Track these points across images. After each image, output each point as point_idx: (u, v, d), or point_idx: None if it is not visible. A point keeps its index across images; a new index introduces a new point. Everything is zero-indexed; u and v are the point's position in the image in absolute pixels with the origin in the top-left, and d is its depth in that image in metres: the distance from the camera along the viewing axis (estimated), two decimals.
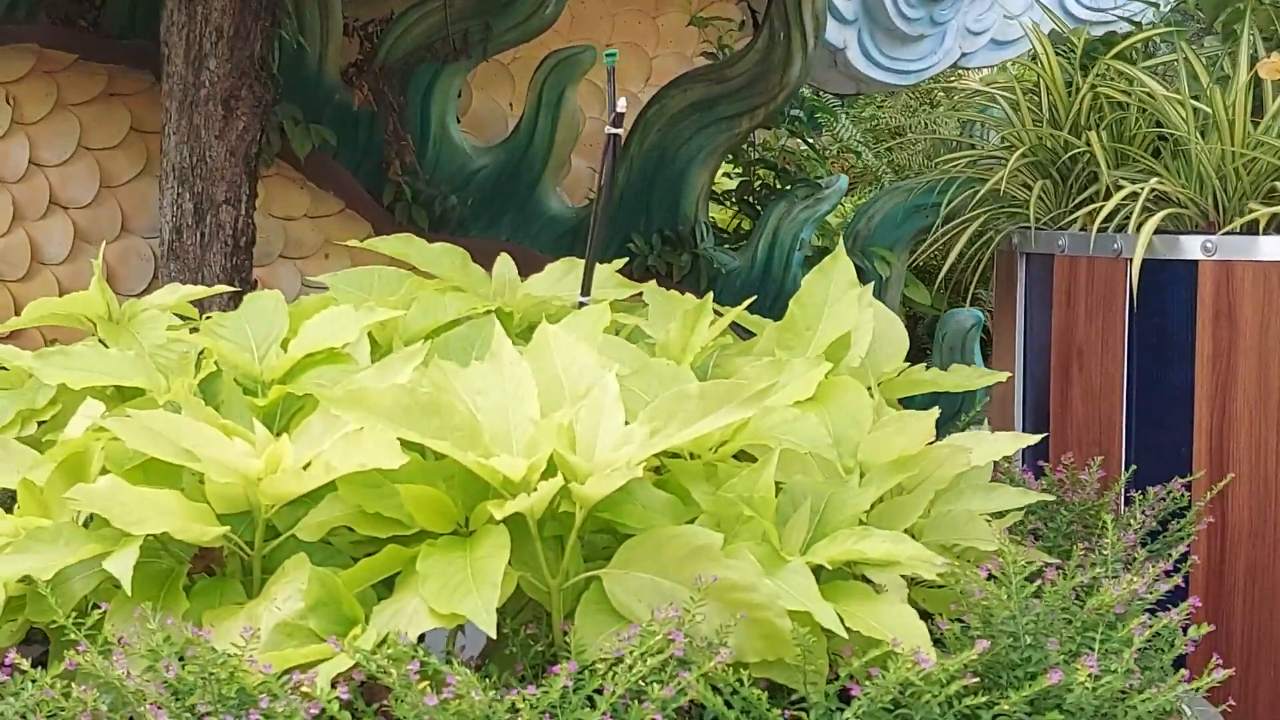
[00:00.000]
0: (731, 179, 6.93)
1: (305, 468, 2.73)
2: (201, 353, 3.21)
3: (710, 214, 5.86)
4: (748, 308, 3.64)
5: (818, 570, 2.79)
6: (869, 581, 2.91)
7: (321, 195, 5.42)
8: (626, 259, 4.43)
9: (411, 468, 2.77)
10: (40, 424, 3.26)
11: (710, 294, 3.44)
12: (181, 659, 2.54)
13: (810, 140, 6.90)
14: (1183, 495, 3.52)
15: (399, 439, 2.73)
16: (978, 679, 2.64)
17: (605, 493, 2.69)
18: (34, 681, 2.53)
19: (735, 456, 3.06)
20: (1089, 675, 2.67)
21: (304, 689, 2.44)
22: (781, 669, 2.69)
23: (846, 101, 8.35)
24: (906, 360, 3.57)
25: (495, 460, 2.69)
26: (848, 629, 2.67)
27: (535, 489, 2.67)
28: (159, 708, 2.42)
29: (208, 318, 3.31)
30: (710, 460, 3.00)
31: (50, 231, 5.14)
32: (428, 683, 2.49)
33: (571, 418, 2.78)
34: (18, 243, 5.11)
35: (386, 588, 2.76)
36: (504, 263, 3.66)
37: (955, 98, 7.66)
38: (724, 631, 2.62)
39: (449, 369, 2.89)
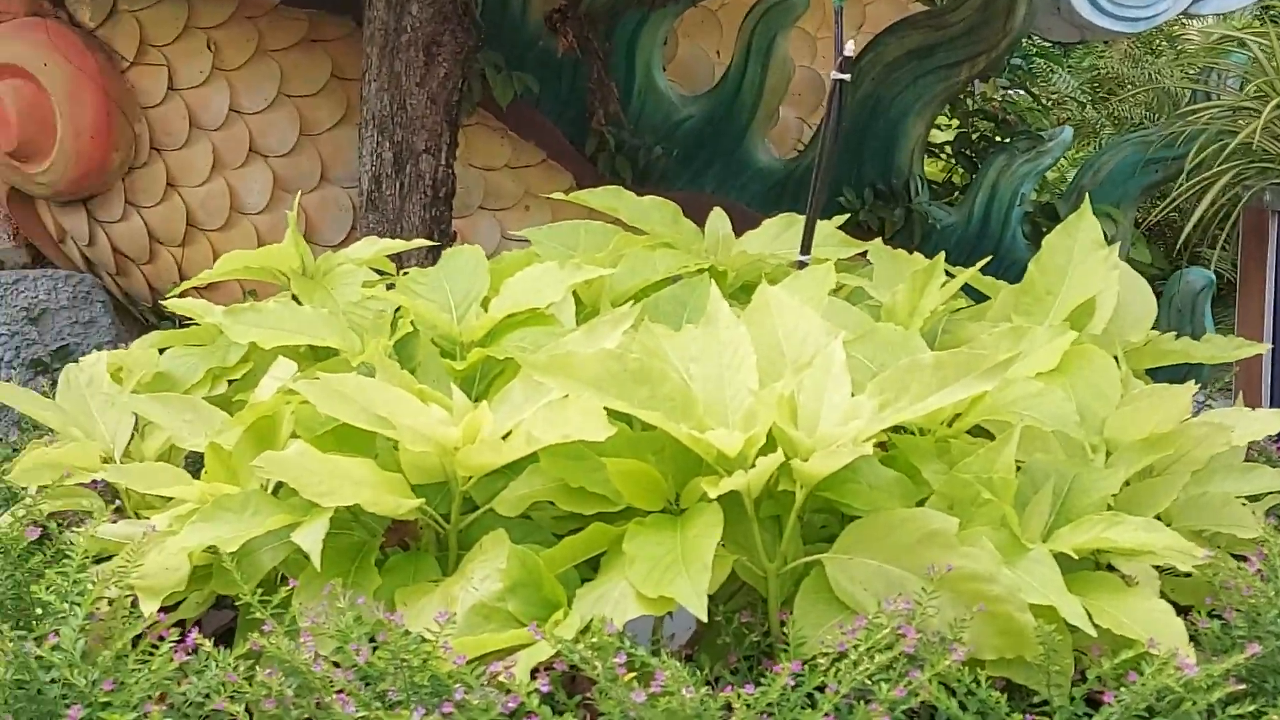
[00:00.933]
0: (945, 130, 6.65)
1: (505, 438, 2.53)
2: (398, 311, 3.03)
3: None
4: (966, 267, 3.40)
5: (1061, 559, 2.54)
6: (1115, 571, 2.65)
7: (523, 145, 5.25)
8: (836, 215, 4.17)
9: (619, 440, 2.58)
10: (231, 383, 3.12)
11: (942, 254, 3.18)
12: (373, 641, 2.36)
13: (1033, 91, 6.58)
14: None
15: (606, 409, 2.53)
16: (1242, 685, 2.38)
17: (829, 471, 2.46)
18: (217, 662, 2.38)
19: (968, 433, 2.82)
20: None
21: (501, 680, 2.25)
22: (1021, 668, 2.45)
23: (1064, 50, 8.01)
24: None
25: (710, 433, 2.48)
26: (1096, 625, 2.42)
27: (753, 465, 2.45)
28: (347, 696, 2.24)
29: (405, 273, 3.13)
30: (942, 436, 2.75)
31: (249, 180, 5.04)
32: (634, 675, 2.28)
33: (794, 388, 2.55)
34: (217, 191, 5.03)
35: (590, 569, 2.56)
36: (718, 217, 3.43)
37: (1191, 44, 7.27)
38: (959, 626, 2.38)
39: (660, 333, 2.68)
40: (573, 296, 3.05)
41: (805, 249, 3.24)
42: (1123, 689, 2.33)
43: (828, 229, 3.45)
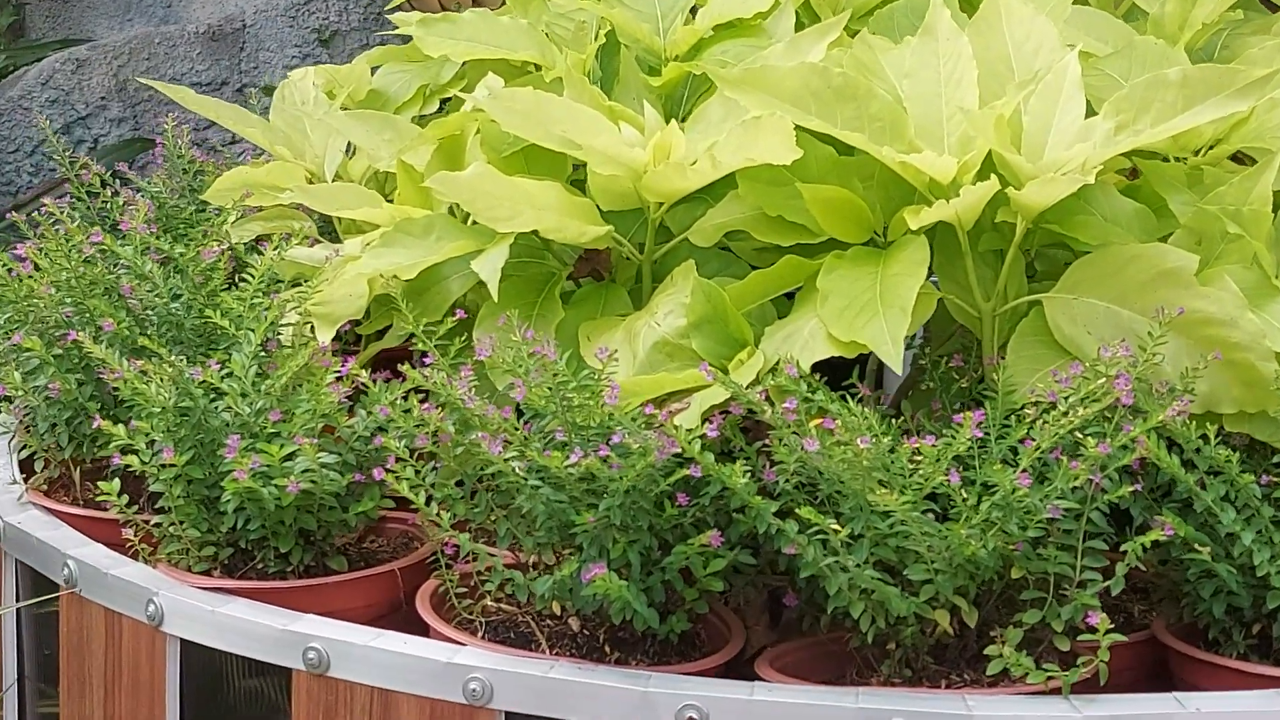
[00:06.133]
0: None
1: (694, 163, 2.32)
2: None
3: None
4: None
5: None
6: None
7: None
8: None
9: (823, 164, 2.35)
10: (444, 102, 2.97)
11: None
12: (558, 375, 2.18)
13: None
14: None
15: (809, 131, 2.29)
16: None
17: (1050, 201, 2.20)
18: (373, 395, 2.27)
19: (1233, 159, 2.51)
20: None
21: (662, 425, 2.08)
22: (1263, 423, 2.18)
23: None
24: None
25: (917, 157, 2.22)
26: None
27: (961, 193, 2.19)
28: (495, 437, 2.10)
29: None
30: (1197, 164, 2.44)
31: None
32: (818, 422, 2.08)
33: (1017, 107, 2.28)
34: None
35: (792, 303, 2.36)
36: None
37: None
38: (1190, 375, 2.11)
39: (877, 45, 2.42)
40: (808, 7, 2.79)
41: None
42: None
43: None
